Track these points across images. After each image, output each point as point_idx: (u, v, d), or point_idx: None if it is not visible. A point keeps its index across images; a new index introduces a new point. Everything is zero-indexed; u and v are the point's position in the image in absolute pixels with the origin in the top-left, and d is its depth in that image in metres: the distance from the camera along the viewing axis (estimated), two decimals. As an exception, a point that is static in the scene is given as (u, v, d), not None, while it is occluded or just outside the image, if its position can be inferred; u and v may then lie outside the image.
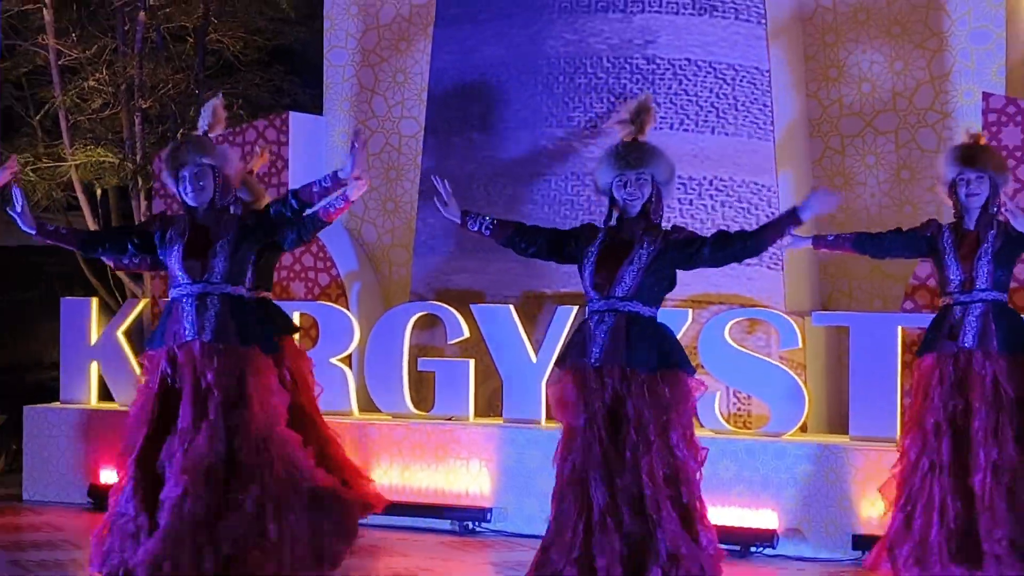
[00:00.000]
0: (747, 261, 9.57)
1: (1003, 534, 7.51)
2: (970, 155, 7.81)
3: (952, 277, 7.78)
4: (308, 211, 7.63)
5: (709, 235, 7.08)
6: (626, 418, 6.78)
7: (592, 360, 6.83)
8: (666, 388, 6.79)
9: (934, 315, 8.00)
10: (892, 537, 7.70)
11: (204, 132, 7.75)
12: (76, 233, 8.08)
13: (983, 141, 8.07)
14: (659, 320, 6.92)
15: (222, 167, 7.62)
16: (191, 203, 7.61)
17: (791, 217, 6.97)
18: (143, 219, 13.61)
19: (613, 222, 7.02)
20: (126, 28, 13.94)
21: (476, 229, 7.18)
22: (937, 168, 7.96)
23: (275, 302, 8.91)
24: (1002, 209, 7.71)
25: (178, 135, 13.71)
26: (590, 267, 6.91)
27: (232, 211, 7.78)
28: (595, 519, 6.75)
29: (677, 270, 6.98)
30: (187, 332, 7.46)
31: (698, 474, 6.88)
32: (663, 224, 7.08)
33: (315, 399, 8.63)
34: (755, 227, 9.27)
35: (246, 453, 7.37)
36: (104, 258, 8.72)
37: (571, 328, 9.15)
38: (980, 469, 7.57)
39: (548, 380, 9.15)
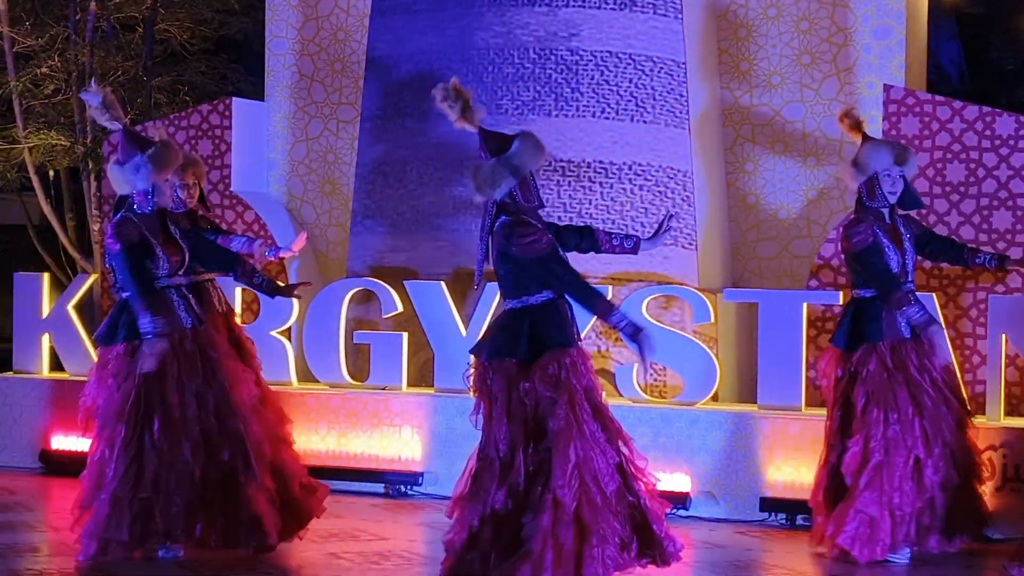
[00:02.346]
0: (664, 241, 9.60)
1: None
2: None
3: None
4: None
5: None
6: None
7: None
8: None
9: (838, 292, 7.99)
10: None
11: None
12: None
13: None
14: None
15: None
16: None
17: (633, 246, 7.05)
18: (93, 200, 13.46)
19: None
20: (78, 18, 13.78)
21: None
22: (862, 158, 7.74)
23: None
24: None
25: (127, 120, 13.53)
26: None
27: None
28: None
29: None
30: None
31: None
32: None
33: None
34: (661, 211, 9.26)
35: None
36: None
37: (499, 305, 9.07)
38: None
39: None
